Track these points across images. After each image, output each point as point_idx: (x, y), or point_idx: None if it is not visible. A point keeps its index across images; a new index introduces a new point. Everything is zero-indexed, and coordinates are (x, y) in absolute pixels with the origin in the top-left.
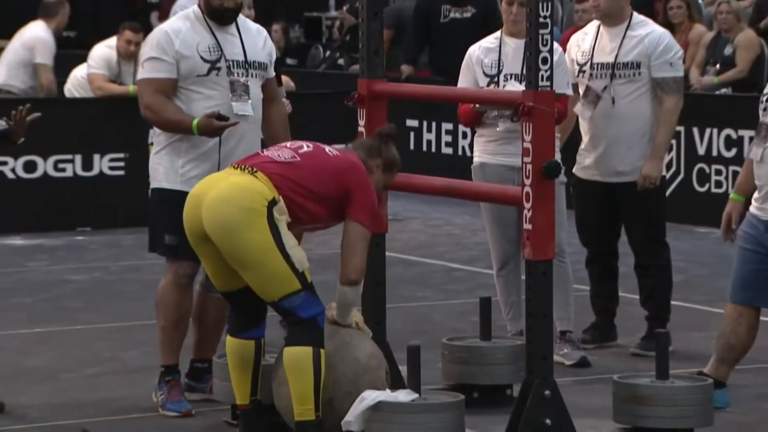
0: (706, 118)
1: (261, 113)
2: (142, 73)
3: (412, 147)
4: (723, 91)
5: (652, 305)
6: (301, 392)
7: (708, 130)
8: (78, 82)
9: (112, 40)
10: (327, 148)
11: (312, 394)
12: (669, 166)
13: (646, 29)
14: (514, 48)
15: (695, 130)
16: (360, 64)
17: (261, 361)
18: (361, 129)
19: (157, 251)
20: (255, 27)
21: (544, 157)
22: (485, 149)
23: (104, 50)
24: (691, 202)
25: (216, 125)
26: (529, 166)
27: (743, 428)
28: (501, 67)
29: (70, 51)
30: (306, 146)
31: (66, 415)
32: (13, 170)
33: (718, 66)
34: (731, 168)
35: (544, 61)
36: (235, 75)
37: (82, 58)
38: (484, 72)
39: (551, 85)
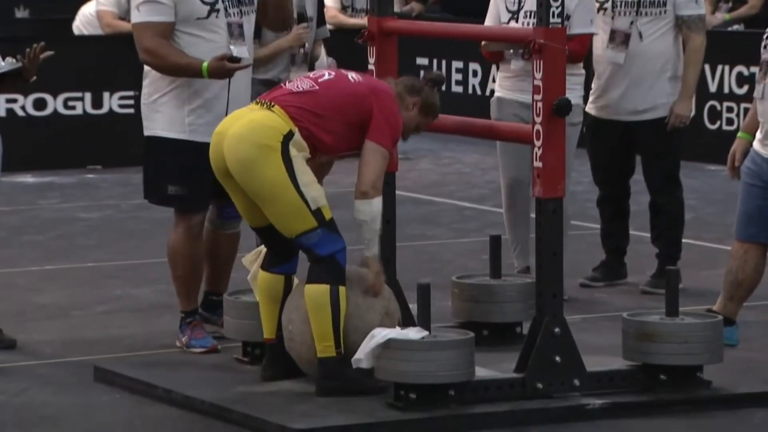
0: (718, 55)
1: (252, 54)
2: (139, 17)
3: None
4: (735, 27)
5: (663, 243)
6: (321, 330)
7: (719, 68)
8: (87, 19)
9: None
10: (350, 75)
11: (331, 331)
12: None
13: None
14: None
15: (707, 67)
16: (370, 1)
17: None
18: (371, 67)
19: (157, 201)
20: None
21: (555, 94)
22: (503, 84)
23: None
24: (702, 139)
25: (228, 67)
26: (540, 104)
27: (753, 365)
28: (522, 4)
29: None
30: (327, 74)
31: (78, 352)
32: (23, 108)
33: (730, 3)
34: (742, 105)
35: None
36: (232, 15)
37: None
38: (507, 8)
39: (562, 22)
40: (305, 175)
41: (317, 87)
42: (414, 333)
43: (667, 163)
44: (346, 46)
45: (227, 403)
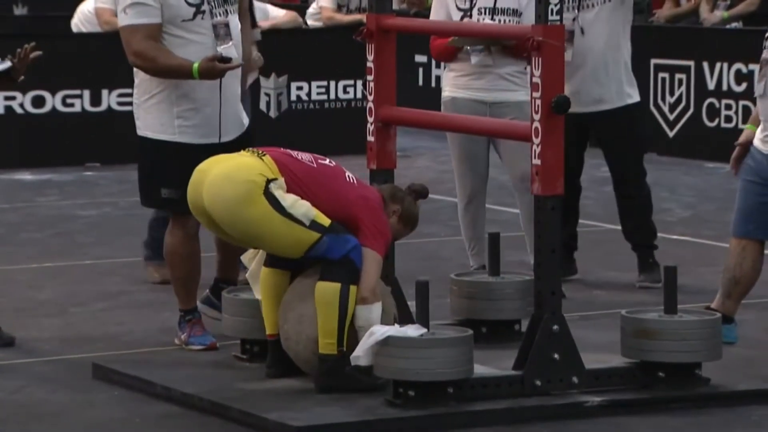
0: (716, 52)
1: (242, 51)
2: (126, 20)
3: (420, 83)
4: (734, 25)
5: (640, 234)
6: (326, 326)
7: (718, 65)
8: (85, 16)
9: None
10: (347, 174)
11: (336, 329)
12: (679, 101)
13: None
14: None
15: (705, 65)
16: None
17: None
18: (369, 65)
19: (151, 204)
20: None
21: (554, 92)
22: (457, 83)
23: None
24: (700, 137)
25: (219, 68)
26: (539, 101)
27: (751, 362)
28: (474, 1)
29: None
30: (329, 161)
31: (76, 349)
32: (21, 105)
33: (728, 0)
34: (741, 102)
35: None
36: (217, 16)
37: None
38: (457, 6)
39: (561, 19)
40: (288, 198)
41: (315, 165)
42: (413, 330)
43: (633, 152)
44: (343, 44)
45: (226, 400)
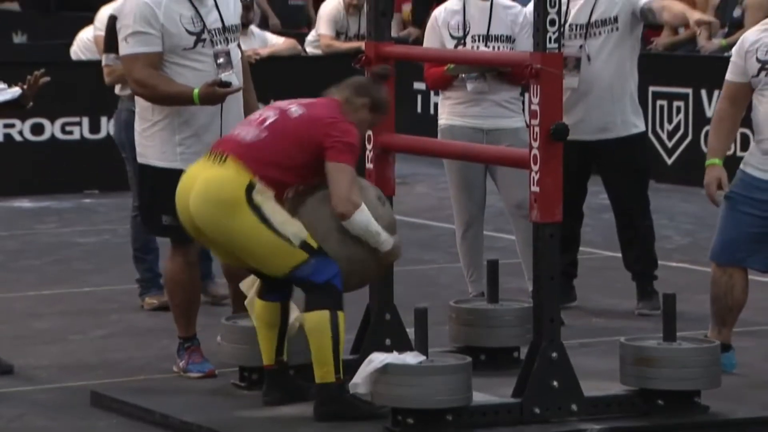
0: (715, 80)
1: (242, 78)
2: (127, 48)
3: (419, 110)
4: (731, 53)
5: (643, 265)
6: (320, 355)
7: (716, 93)
8: (84, 44)
9: (119, 2)
10: (292, 109)
11: (331, 356)
12: (677, 128)
13: None
14: (480, 9)
15: (703, 92)
16: (367, 26)
17: (287, 322)
18: None
19: (153, 232)
20: None
21: (552, 119)
22: (453, 111)
23: (111, 12)
24: (699, 164)
25: (219, 93)
26: (537, 129)
27: (750, 390)
28: (468, 29)
29: (77, 13)
30: (272, 115)
31: (75, 377)
32: (20, 133)
33: (726, 28)
34: (739, 130)
35: (552, 22)
36: (217, 44)
37: (89, 21)
38: (450, 34)
39: (559, 47)
40: (278, 215)
41: (264, 134)
42: (411, 358)
43: (637, 180)
44: (342, 71)
45: (224, 428)
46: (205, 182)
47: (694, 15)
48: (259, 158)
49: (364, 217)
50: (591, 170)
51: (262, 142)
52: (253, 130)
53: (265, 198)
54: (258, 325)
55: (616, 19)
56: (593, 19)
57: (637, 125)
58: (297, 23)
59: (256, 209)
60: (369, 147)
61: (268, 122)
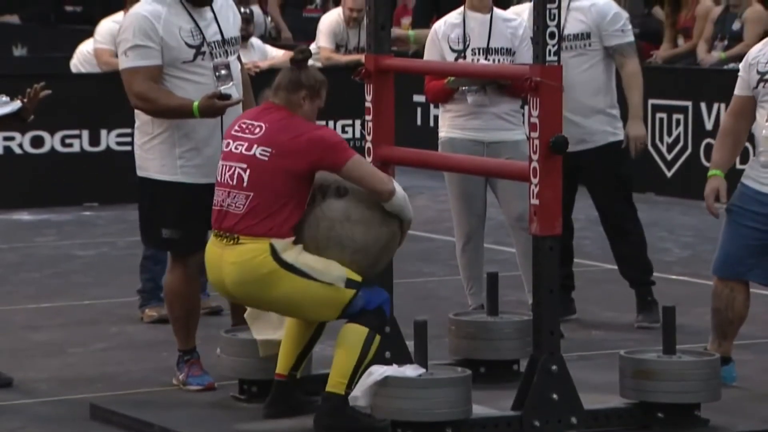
0: (714, 93)
1: (243, 91)
2: (127, 62)
3: (419, 123)
4: (731, 65)
5: (638, 272)
6: (342, 365)
7: (716, 105)
8: (84, 57)
9: (119, 15)
10: (257, 153)
11: (351, 371)
12: (677, 141)
13: (589, 0)
14: (479, 23)
15: (703, 106)
16: (367, 38)
17: (314, 344)
18: (368, 104)
19: (152, 245)
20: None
21: (552, 131)
22: (454, 124)
23: (111, 25)
24: (698, 177)
25: (218, 105)
26: (537, 141)
27: (750, 403)
28: (468, 43)
29: (76, 26)
30: (244, 169)
31: (74, 390)
32: (20, 145)
33: (725, 41)
34: None
35: (552, 35)
36: (217, 57)
37: (89, 33)
38: (450, 47)
39: (559, 60)
40: (315, 263)
41: (252, 194)
42: (411, 371)
43: (622, 188)
44: (341, 84)
45: None
46: (235, 266)
47: (633, 129)
48: (262, 220)
49: (400, 189)
50: (577, 183)
51: (254, 204)
52: (242, 196)
53: (294, 252)
54: (286, 333)
55: (588, 35)
56: (565, 33)
57: (616, 134)
58: (312, 35)
59: (292, 268)
60: (369, 159)
61: (246, 180)
